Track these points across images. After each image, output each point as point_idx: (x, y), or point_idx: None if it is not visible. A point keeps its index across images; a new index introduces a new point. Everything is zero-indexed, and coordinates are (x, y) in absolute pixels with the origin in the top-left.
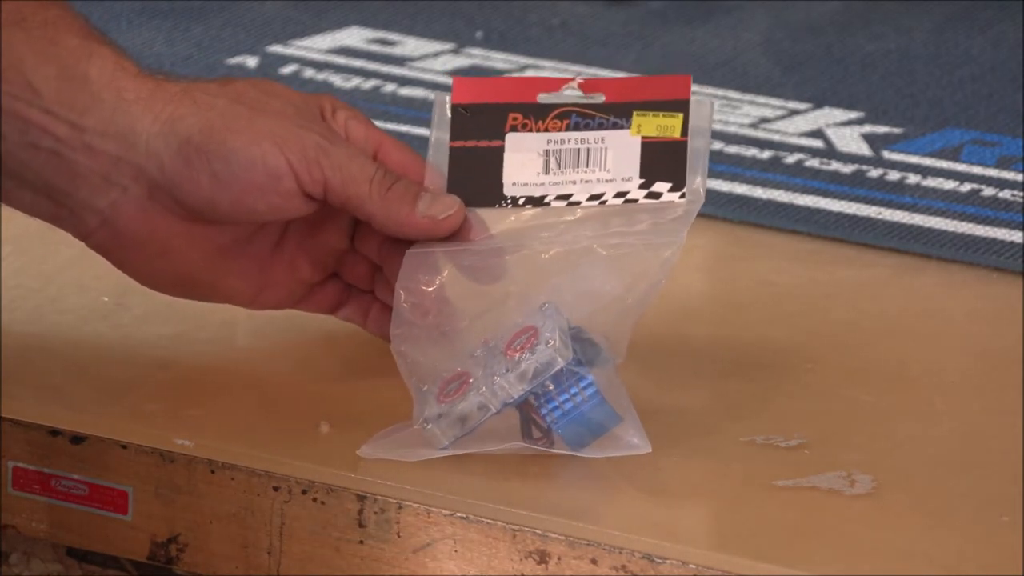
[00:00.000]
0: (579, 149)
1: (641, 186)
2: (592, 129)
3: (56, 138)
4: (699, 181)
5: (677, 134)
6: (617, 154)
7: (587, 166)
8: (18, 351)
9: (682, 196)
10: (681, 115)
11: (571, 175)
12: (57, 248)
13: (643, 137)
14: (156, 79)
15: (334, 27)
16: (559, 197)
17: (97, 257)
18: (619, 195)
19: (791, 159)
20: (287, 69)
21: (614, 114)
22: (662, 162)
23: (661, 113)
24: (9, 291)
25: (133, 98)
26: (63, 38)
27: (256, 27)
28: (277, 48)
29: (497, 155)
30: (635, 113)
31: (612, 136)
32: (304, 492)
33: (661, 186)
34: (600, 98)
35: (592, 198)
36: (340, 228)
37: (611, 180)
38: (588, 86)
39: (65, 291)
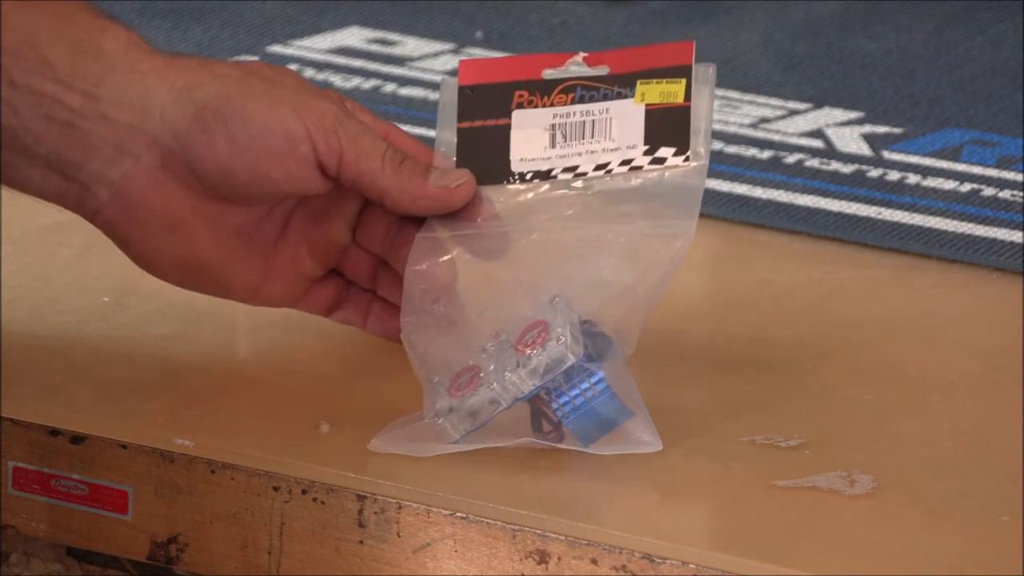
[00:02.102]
0: (584, 121)
1: (646, 152)
2: (597, 101)
3: (70, 109)
4: (703, 143)
5: (680, 99)
6: (622, 123)
7: (592, 137)
8: (18, 351)
9: (686, 160)
10: (684, 80)
11: (577, 147)
12: (57, 248)
13: (647, 105)
14: (169, 54)
15: (334, 27)
16: (566, 169)
17: (97, 257)
18: (624, 163)
19: (791, 159)
20: None
21: (618, 84)
22: (666, 128)
23: (664, 80)
24: (9, 291)
25: (148, 69)
26: (75, 15)
27: (256, 27)
28: (277, 48)
29: (504, 133)
30: (639, 82)
31: (616, 106)
32: (304, 492)
33: (665, 151)
34: (604, 70)
35: (598, 168)
36: (343, 220)
37: (616, 149)
38: (592, 59)
39: (65, 291)
